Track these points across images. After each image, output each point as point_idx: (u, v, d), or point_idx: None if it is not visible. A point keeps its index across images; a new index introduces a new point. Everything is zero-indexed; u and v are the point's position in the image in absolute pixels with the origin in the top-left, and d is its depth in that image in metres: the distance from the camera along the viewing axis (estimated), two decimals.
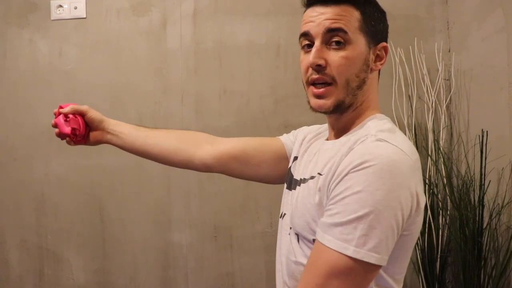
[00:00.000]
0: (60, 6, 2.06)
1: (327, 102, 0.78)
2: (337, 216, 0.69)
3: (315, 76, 0.78)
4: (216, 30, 2.03)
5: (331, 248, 0.68)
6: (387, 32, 0.84)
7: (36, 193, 2.07)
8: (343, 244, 0.67)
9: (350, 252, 0.67)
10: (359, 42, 0.78)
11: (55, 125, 1.03)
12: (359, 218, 0.67)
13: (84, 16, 2.06)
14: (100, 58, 2.06)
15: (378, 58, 0.82)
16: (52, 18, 2.07)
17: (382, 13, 0.84)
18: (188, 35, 2.03)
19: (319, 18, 0.77)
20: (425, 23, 1.95)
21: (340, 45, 0.77)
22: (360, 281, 0.69)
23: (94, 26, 2.06)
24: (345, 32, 0.76)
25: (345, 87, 0.78)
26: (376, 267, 0.69)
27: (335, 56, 0.77)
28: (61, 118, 1.02)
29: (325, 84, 0.78)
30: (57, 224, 2.06)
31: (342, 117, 0.83)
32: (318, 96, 0.79)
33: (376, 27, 0.81)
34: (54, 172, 2.06)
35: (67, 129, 1.01)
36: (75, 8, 2.05)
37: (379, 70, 0.85)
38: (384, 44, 0.83)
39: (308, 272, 0.72)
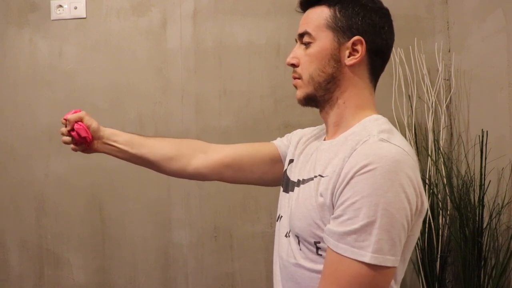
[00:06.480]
0: (60, 6, 2.06)
1: (298, 93, 0.86)
2: (349, 222, 0.68)
3: (293, 74, 0.87)
4: (216, 30, 2.03)
5: (347, 257, 0.68)
6: (369, 26, 0.81)
7: (36, 193, 2.07)
8: (359, 251, 0.67)
9: (367, 259, 0.66)
10: (323, 38, 0.81)
11: (76, 131, 0.99)
12: (372, 223, 0.67)
13: (84, 16, 2.06)
14: (100, 58, 2.06)
15: (355, 52, 0.81)
16: (52, 18, 2.07)
17: (363, 6, 0.81)
18: (188, 35, 2.03)
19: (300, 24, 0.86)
20: (425, 23, 1.95)
21: (307, 45, 0.83)
22: (382, 285, 0.69)
23: (94, 26, 2.06)
24: (309, 34, 0.82)
25: (310, 81, 0.83)
26: (393, 268, 0.69)
27: (302, 55, 0.84)
28: (79, 124, 1.00)
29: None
30: (57, 224, 2.06)
31: (326, 113, 0.85)
32: (295, 87, 0.87)
33: (350, 21, 0.80)
34: (54, 172, 2.06)
35: (87, 134, 0.99)
36: (75, 8, 2.05)
37: (372, 68, 0.83)
38: (357, 37, 0.80)
39: (328, 284, 0.71)
